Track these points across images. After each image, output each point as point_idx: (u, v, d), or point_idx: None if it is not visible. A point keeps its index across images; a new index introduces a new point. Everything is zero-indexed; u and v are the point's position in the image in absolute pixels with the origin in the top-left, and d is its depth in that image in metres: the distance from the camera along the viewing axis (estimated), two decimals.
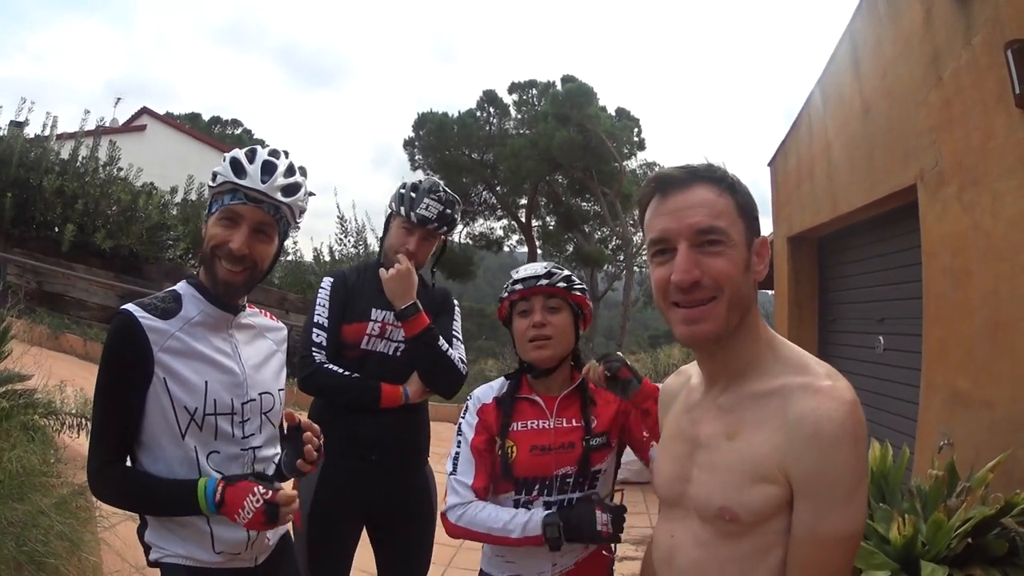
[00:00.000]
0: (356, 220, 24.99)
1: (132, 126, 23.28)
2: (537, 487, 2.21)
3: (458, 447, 2.30)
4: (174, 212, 15.57)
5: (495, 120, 29.59)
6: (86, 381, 5.17)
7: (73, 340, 11.44)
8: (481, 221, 31.99)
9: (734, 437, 1.40)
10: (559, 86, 27.87)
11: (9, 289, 8.36)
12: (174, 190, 15.92)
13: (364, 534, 2.96)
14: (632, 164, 29.75)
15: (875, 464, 3.67)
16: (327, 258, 15.84)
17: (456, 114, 29.36)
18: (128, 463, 1.91)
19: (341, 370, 2.79)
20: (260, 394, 2.05)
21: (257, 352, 2.11)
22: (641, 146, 30.25)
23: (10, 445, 3.69)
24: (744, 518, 1.33)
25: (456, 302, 3.22)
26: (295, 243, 17.97)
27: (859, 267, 7.13)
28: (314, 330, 2.82)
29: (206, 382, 1.90)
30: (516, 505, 2.22)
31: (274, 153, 1.99)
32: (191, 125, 32.91)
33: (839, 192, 6.62)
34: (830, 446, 1.24)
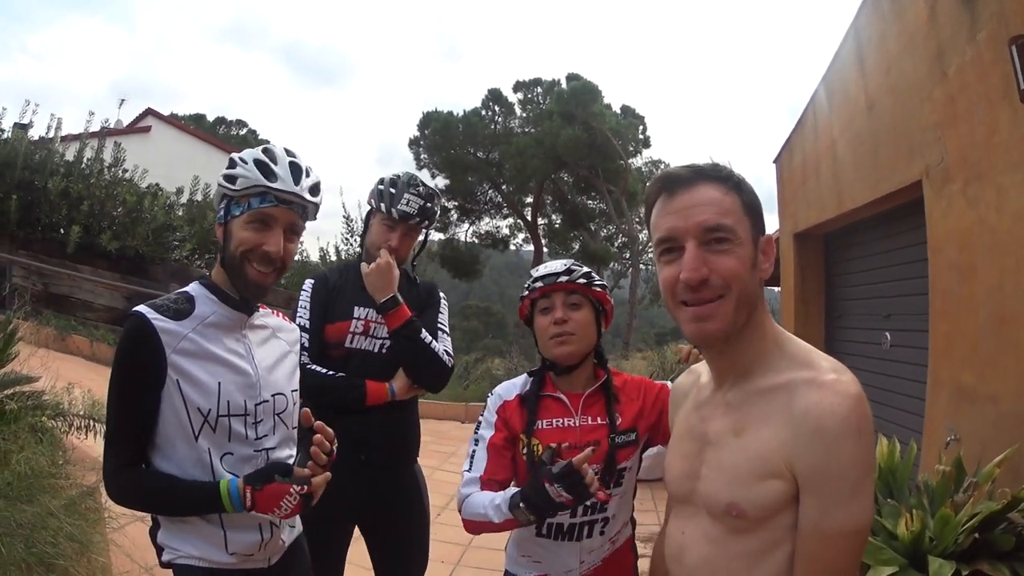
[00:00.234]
0: (362, 220, 24.89)
1: (137, 127, 23.30)
2: None
3: (475, 445, 2.29)
4: (180, 213, 15.57)
5: (500, 119, 29.61)
6: (93, 382, 5.18)
7: (80, 341, 11.48)
8: (487, 220, 32.08)
9: (741, 434, 1.40)
10: (564, 84, 27.88)
11: (15, 291, 8.40)
12: (180, 191, 15.95)
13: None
14: (637, 162, 29.81)
15: (882, 460, 3.67)
16: (333, 257, 15.83)
17: (461, 113, 29.43)
18: (143, 465, 1.91)
19: (325, 370, 2.77)
20: (273, 395, 2.04)
21: (270, 353, 2.11)
22: (646, 143, 30.30)
23: (18, 447, 3.69)
24: (751, 514, 1.33)
25: (442, 295, 3.18)
26: (301, 243, 17.88)
27: (865, 263, 7.12)
28: None
29: (219, 383, 1.90)
30: None
31: (290, 153, 2.00)
32: (196, 126, 32.99)
33: (844, 189, 6.62)
34: (834, 440, 1.25)
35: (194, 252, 15.51)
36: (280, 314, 2.29)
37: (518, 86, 29.61)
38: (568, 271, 2.28)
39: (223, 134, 39.98)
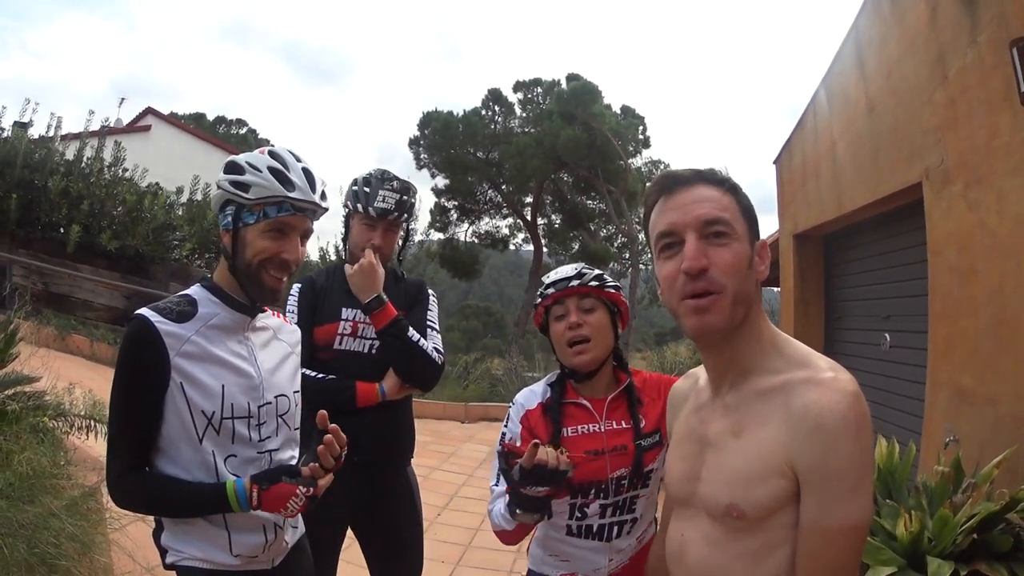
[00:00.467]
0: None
1: (137, 126, 23.30)
2: (593, 491, 2.18)
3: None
4: (180, 212, 15.57)
5: (500, 118, 29.54)
6: (94, 382, 5.20)
7: (80, 341, 11.49)
8: (487, 219, 31.97)
9: (740, 435, 1.42)
10: (564, 84, 27.83)
11: (16, 291, 8.40)
12: (180, 190, 15.94)
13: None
14: (637, 162, 29.71)
15: (881, 461, 3.68)
16: (332, 256, 15.82)
17: (461, 113, 29.33)
18: (147, 468, 1.91)
19: (314, 373, 2.77)
20: (276, 397, 2.05)
21: (272, 355, 2.12)
22: (646, 144, 30.20)
23: (20, 447, 3.70)
24: (751, 514, 1.35)
25: (432, 292, 3.16)
26: None
27: (864, 265, 7.13)
28: None
29: (223, 386, 1.90)
30: (572, 509, 2.20)
31: (297, 158, 2.00)
32: (195, 125, 33.02)
33: (844, 190, 6.62)
34: (833, 437, 1.26)
35: (194, 251, 15.51)
36: (280, 315, 2.30)
37: (518, 86, 29.56)
38: (579, 275, 2.27)
39: (223, 133, 40.00)
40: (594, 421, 2.25)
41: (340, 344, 2.87)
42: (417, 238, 21.96)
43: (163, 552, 1.97)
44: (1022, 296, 3.72)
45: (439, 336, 3.01)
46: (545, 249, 30.74)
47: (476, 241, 31.91)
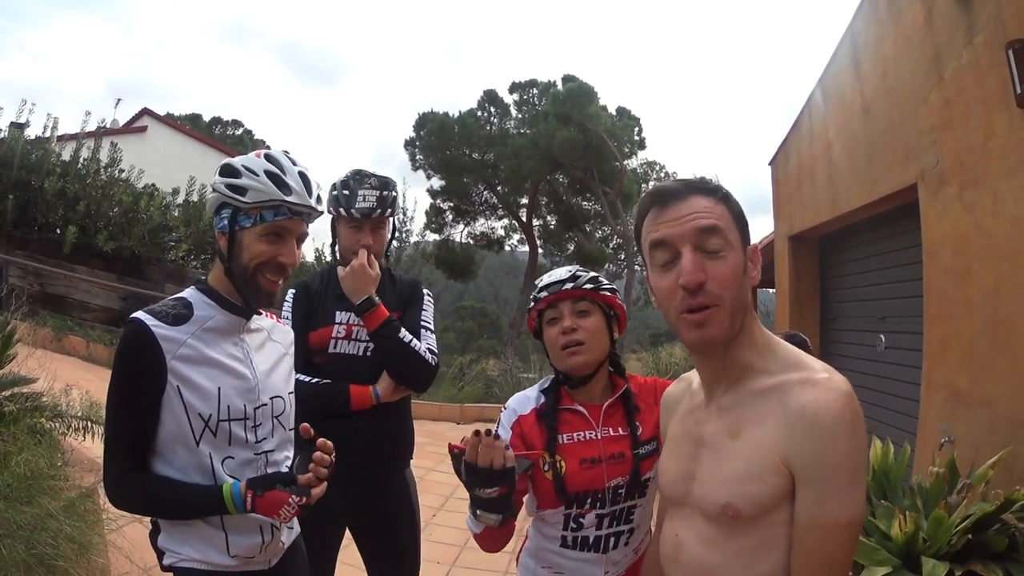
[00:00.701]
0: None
1: (133, 127, 23.30)
2: (589, 500, 2.09)
3: None
4: (176, 213, 15.58)
5: (496, 120, 29.52)
6: (91, 384, 5.19)
7: (76, 342, 11.48)
8: (482, 221, 31.92)
9: (737, 435, 1.43)
10: (560, 85, 27.81)
11: (12, 292, 8.40)
12: (176, 191, 15.94)
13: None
14: (633, 163, 29.75)
15: (876, 461, 3.69)
16: (328, 258, 15.80)
17: (457, 114, 29.30)
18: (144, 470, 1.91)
19: (308, 378, 2.76)
20: (272, 398, 2.05)
21: (267, 356, 2.12)
22: (642, 145, 30.21)
23: (17, 449, 3.70)
24: (747, 512, 1.36)
25: (427, 291, 3.14)
26: None
27: (860, 266, 7.15)
28: None
29: (219, 388, 1.90)
30: (567, 519, 2.11)
31: (293, 161, 2.01)
32: (192, 126, 32.95)
33: (840, 191, 6.65)
34: (829, 434, 1.28)
35: (190, 253, 15.52)
36: (274, 316, 2.30)
37: (514, 87, 29.53)
38: (573, 277, 2.19)
39: (219, 134, 39.96)
40: (590, 428, 2.16)
41: (335, 347, 2.86)
42: (412, 239, 21.94)
43: (160, 554, 1.96)
44: (1017, 297, 3.73)
45: (433, 336, 2.99)
46: (540, 250, 30.71)
47: (472, 242, 31.87)
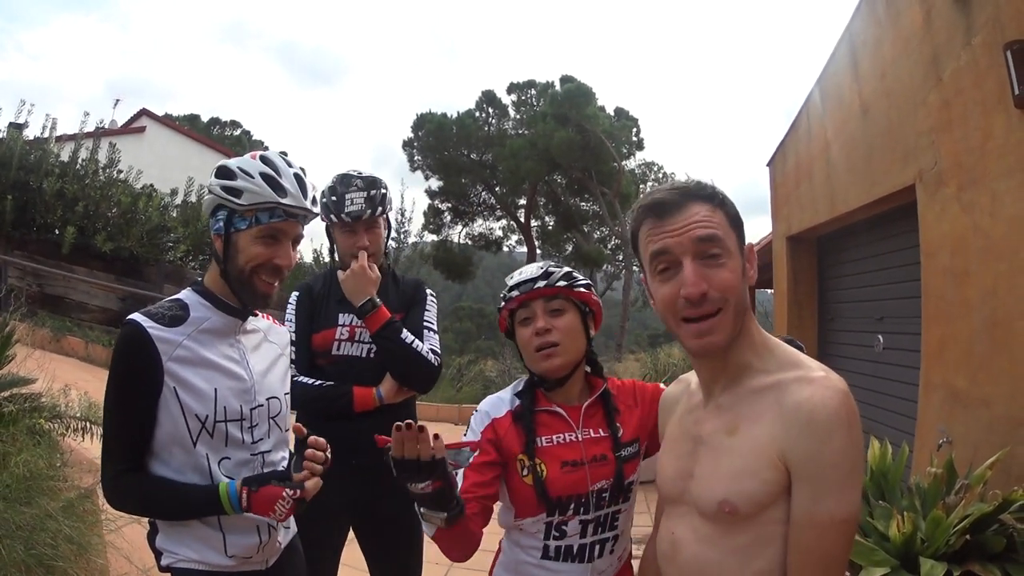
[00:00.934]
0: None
1: (131, 128, 23.28)
2: (572, 506, 1.98)
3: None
4: (174, 214, 15.59)
5: (494, 120, 29.56)
6: (89, 384, 5.19)
7: (75, 342, 11.50)
8: (480, 221, 32.00)
9: (734, 433, 1.44)
10: (558, 86, 27.83)
11: (11, 292, 8.39)
12: (174, 192, 15.96)
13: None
14: (631, 164, 29.83)
15: (874, 462, 3.70)
16: (326, 258, 15.81)
17: (455, 115, 29.34)
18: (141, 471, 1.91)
19: (312, 380, 2.76)
20: (268, 399, 2.05)
21: (263, 357, 2.12)
22: (640, 146, 30.31)
23: (17, 449, 3.70)
24: (743, 509, 1.37)
25: (430, 292, 3.11)
26: None
27: (858, 266, 7.15)
28: None
29: (216, 389, 1.90)
30: (548, 528, 2.00)
31: (288, 162, 2.01)
32: (190, 126, 32.91)
33: (838, 192, 6.65)
34: (826, 431, 1.29)
35: (188, 253, 15.53)
36: (270, 317, 2.30)
37: (512, 88, 29.59)
38: (546, 274, 2.08)
39: (217, 135, 39.88)
40: (570, 430, 2.05)
41: (338, 349, 2.85)
42: (411, 240, 21.92)
43: (158, 555, 1.96)
44: (1016, 298, 3.74)
45: (436, 337, 2.98)
46: (539, 251, 30.74)
47: (470, 243, 31.92)
